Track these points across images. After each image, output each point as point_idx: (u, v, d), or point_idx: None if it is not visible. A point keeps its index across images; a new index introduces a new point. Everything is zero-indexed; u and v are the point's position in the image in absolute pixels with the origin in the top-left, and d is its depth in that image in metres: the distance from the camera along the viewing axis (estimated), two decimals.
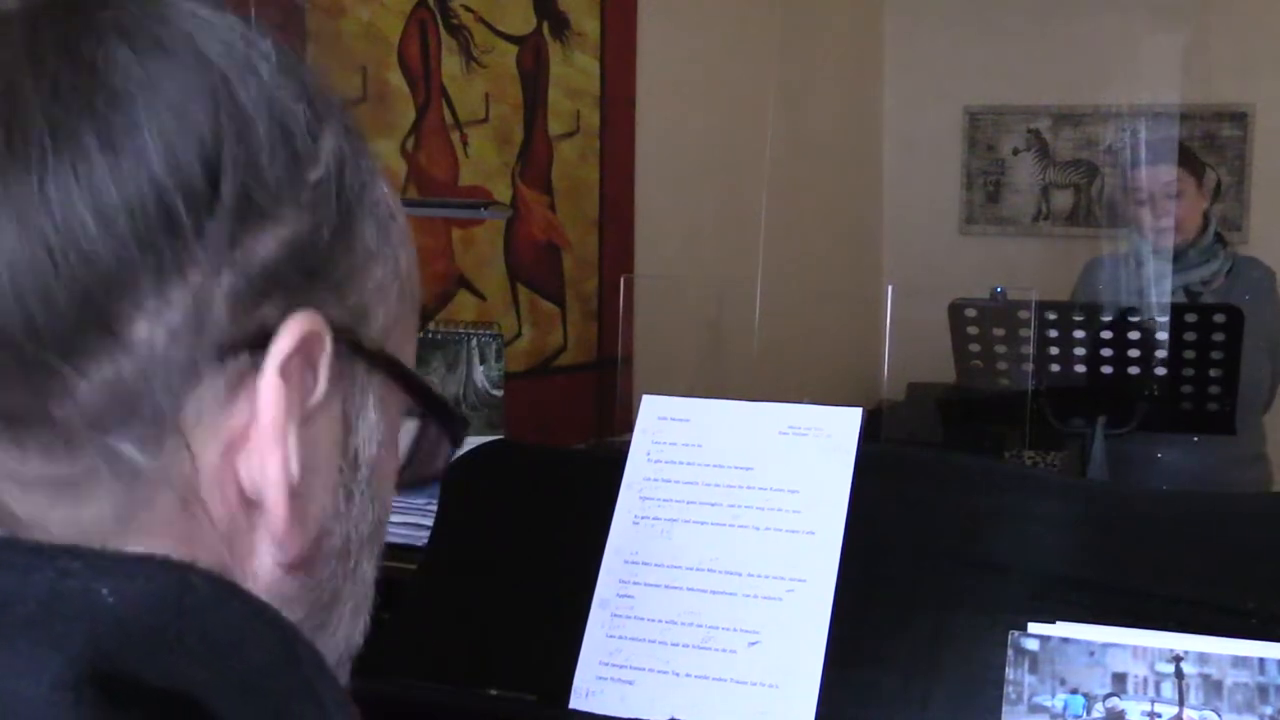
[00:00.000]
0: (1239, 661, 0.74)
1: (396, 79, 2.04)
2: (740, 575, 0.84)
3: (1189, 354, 2.06)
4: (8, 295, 0.33)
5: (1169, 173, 2.29)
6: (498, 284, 2.31)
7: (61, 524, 0.34)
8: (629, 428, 0.93)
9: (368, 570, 0.42)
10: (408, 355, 0.42)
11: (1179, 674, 0.74)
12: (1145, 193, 2.33)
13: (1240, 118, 3.46)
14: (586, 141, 2.50)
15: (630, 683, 0.82)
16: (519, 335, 2.36)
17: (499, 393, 1.62)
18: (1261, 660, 0.74)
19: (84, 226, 0.33)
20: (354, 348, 0.39)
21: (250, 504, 0.37)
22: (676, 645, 0.83)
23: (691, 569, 0.85)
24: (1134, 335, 2.07)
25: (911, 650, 0.79)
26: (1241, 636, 0.74)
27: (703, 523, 0.86)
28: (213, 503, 0.36)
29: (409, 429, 0.43)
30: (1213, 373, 2.06)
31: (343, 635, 0.42)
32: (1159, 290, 2.26)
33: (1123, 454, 2.21)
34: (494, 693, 0.85)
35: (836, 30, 3.59)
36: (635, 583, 0.86)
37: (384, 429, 0.41)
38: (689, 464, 0.89)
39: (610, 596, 0.86)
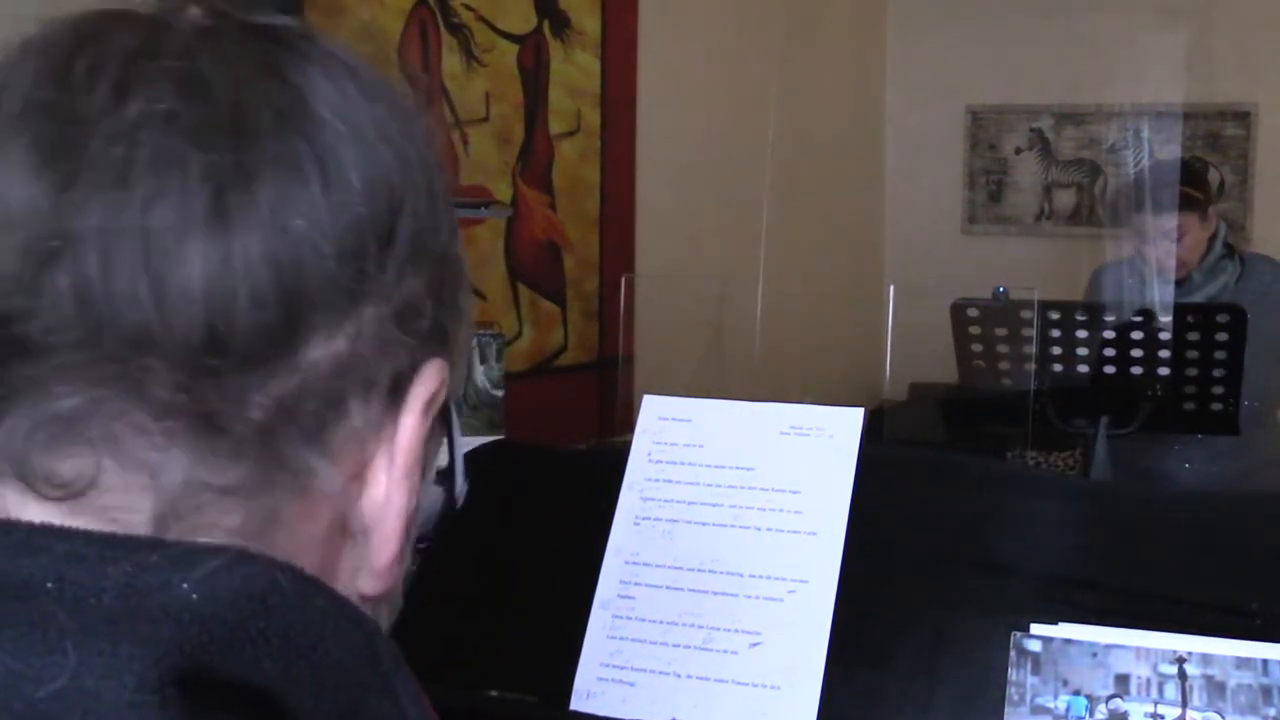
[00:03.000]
0: (1242, 663, 0.73)
1: (396, 78, 2.03)
2: (741, 576, 0.83)
3: (1192, 354, 2.05)
4: (220, 288, 0.33)
5: (1170, 220, 2.29)
6: (498, 283, 2.30)
7: (208, 529, 0.34)
8: (630, 428, 0.93)
9: (399, 576, 0.43)
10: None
11: (1182, 675, 0.74)
12: (1148, 235, 2.33)
13: (1243, 116, 3.46)
14: (587, 141, 2.50)
15: (631, 684, 0.82)
16: (519, 335, 2.35)
17: (499, 393, 1.62)
18: (1265, 661, 0.73)
19: (300, 240, 0.34)
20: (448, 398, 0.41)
21: (346, 533, 0.37)
22: (677, 646, 0.82)
23: (692, 570, 0.85)
24: (1137, 335, 2.07)
25: (913, 651, 0.79)
26: (1245, 638, 0.74)
27: (704, 523, 0.86)
28: (333, 523, 0.37)
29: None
30: (1216, 373, 2.06)
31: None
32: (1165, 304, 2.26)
33: (1134, 460, 2.20)
34: (494, 694, 0.84)
35: (839, 29, 3.59)
36: (636, 583, 0.85)
37: (425, 462, 0.43)
38: (690, 464, 0.89)
39: (611, 597, 0.85)
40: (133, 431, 0.33)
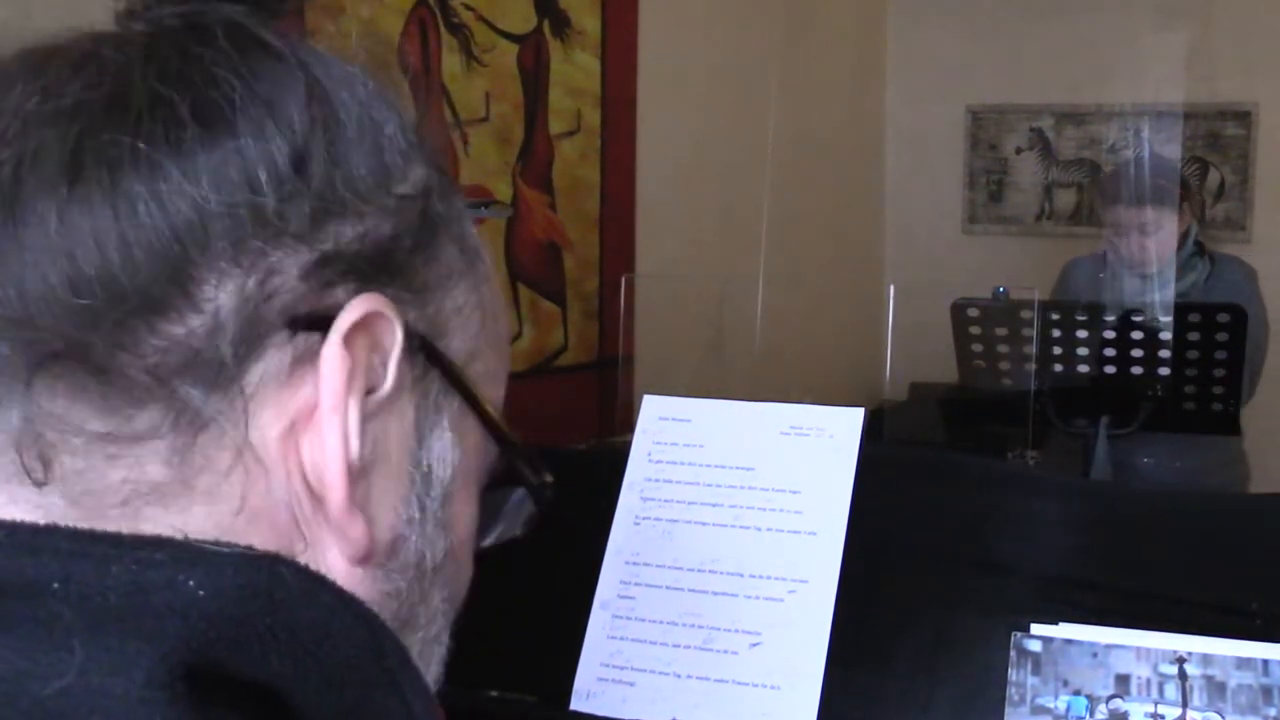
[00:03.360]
0: (1243, 663, 0.73)
1: (396, 78, 2.03)
2: (742, 576, 0.83)
3: (1192, 354, 2.05)
4: (92, 249, 0.33)
5: (1143, 214, 2.30)
6: (498, 283, 2.30)
7: (120, 485, 0.34)
8: (630, 428, 0.93)
9: (439, 604, 0.42)
10: (493, 400, 0.43)
11: (1182, 675, 0.74)
12: (1121, 228, 2.34)
13: (1244, 116, 3.45)
14: (587, 140, 2.50)
15: (631, 684, 0.82)
16: (519, 335, 2.35)
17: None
18: (1265, 661, 0.73)
19: (170, 192, 0.34)
20: (429, 355, 0.40)
21: (317, 498, 0.37)
22: (678, 646, 0.82)
23: (693, 570, 0.85)
24: (1137, 335, 2.07)
25: (914, 651, 0.79)
26: (1245, 638, 0.74)
27: (704, 523, 0.86)
28: (276, 481, 0.36)
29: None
30: (1217, 372, 2.06)
31: (420, 638, 0.42)
32: (1136, 303, 2.27)
33: (1118, 455, 2.20)
34: (494, 694, 0.84)
35: (839, 29, 3.58)
36: (636, 583, 0.85)
37: (460, 459, 0.41)
38: (690, 464, 0.89)
39: (611, 597, 0.85)
40: (5, 386, 0.34)
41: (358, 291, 0.37)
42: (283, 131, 0.36)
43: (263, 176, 0.35)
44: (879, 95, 3.83)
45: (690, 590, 0.84)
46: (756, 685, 0.80)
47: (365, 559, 0.38)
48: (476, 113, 2.23)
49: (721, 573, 0.84)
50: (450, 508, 0.41)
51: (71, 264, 0.34)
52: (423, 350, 0.40)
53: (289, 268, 0.36)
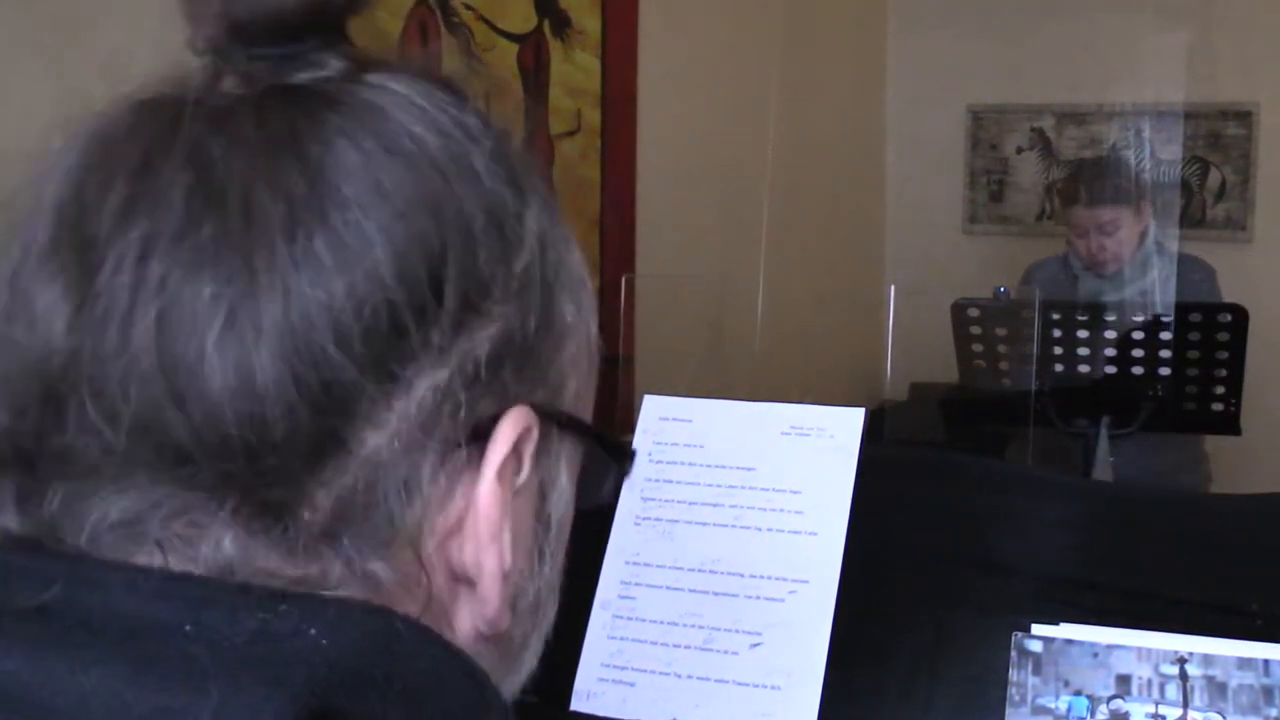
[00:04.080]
0: (1244, 663, 0.73)
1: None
2: (742, 576, 0.83)
3: (1193, 354, 2.05)
4: (246, 402, 0.33)
5: (1107, 213, 2.31)
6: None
7: None
8: (630, 428, 0.93)
9: (551, 610, 0.44)
10: (588, 406, 0.43)
11: (1183, 675, 0.74)
12: (1082, 229, 2.36)
13: (1245, 116, 3.45)
14: (587, 140, 2.50)
15: (632, 684, 0.82)
16: None
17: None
18: (1266, 662, 0.73)
19: (321, 339, 0.33)
20: (555, 425, 0.40)
21: (458, 579, 0.38)
22: (678, 646, 0.82)
23: (693, 570, 0.84)
24: (1138, 335, 2.07)
25: (914, 651, 0.79)
26: (1246, 638, 0.74)
27: (704, 523, 0.86)
28: (432, 583, 0.37)
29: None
30: (1218, 373, 2.06)
31: (526, 668, 0.43)
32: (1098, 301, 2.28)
33: (1119, 455, 2.20)
34: None
35: (839, 29, 3.58)
36: (636, 584, 0.85)
37: (570, 484, 0.42)
38: (690, 464, 0.88)
39: (611, 598, 0.85)
40: (193, 529, 0.33)
41: (500, 402, 0.36)
42: (419, 253, 0.34)
43: (407, 310, 0.34)
44: (879, 95, 3.83)
45: (691, 590, 0.84)
46: (757, 685, 0.80)
47: (500, 635, 0.39)
48: None
49: (722, 573, 0.84)
50: (562, 530, 0.43)
51: (248, 414, 0.33)
52: (550, 423, 0.39)
53: (440, 400, 0.35)
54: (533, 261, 0.38)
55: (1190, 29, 3.05)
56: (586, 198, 2.52)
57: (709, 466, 0.88)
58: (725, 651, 0.81)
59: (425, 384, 0.35)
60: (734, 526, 0.85)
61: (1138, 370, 2.06)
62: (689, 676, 0.81)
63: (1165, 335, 2.05)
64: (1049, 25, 3.54)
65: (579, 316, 0.41)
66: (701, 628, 0.82)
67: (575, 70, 2.45)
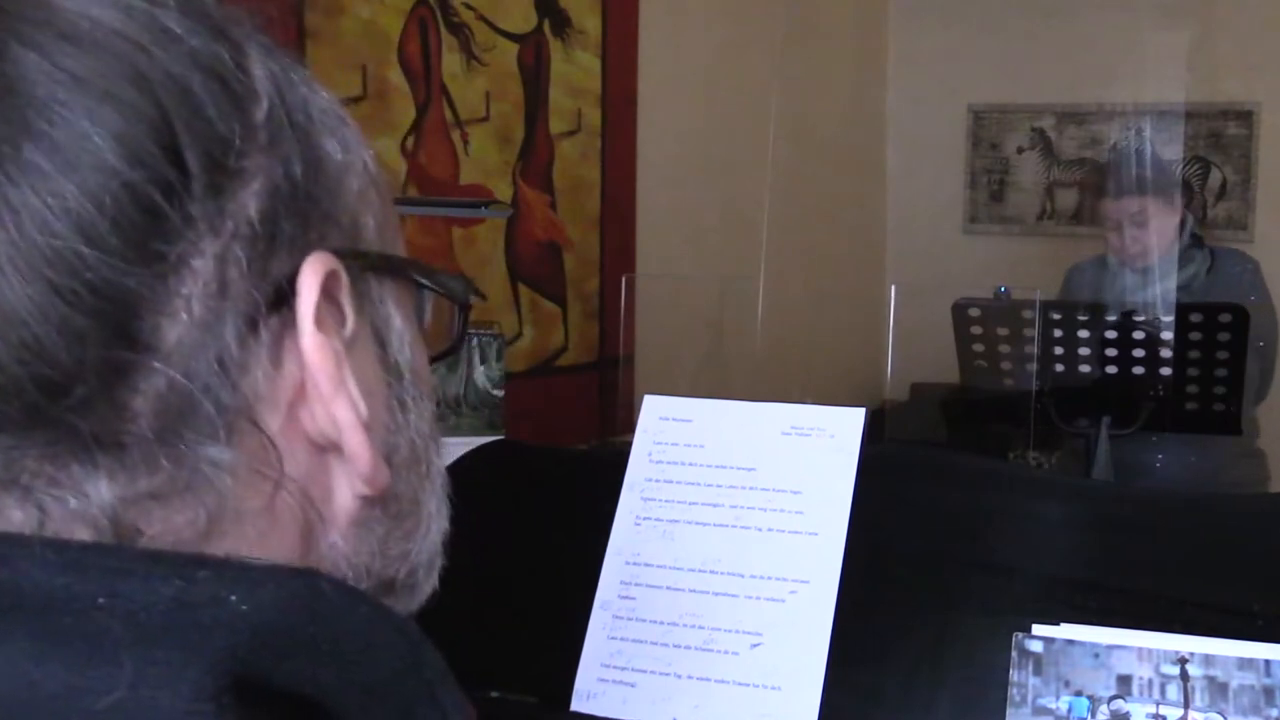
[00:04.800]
0: (1244, 663, 0.73)
1: (397, 77, 2.03)
2: (742, 576, 0.83)
3: (1194, 354, 2.05)
4: (30, 333, 0.32)
5: (1136, 203, 2.30)
6: (498, 283, 2.30)
7: (161, 534, 0.34)
8: (630, 428, 0.92)
9: (437, 463, 0.43)
10: (400, 245, 0.42)
11: (1184, 676, 0.73)
12: (1114, 221, 2.34)
13: (1246, 116, 3.45)
14: (588, 140, 2.50)
15: (632, 685, 0.82)
16: (520, 335, 2.35)
17: (499, 393, 1.62)
18: (1267, 662, 0.73)
19: (70, 244, 0.32)
20: (362, 265, 0.39)
21: (321, 450, 0.37)
22: (678, 647, 0.82)
23: (693, 570, 0.84)
24: (1139, 335, 2.06)
25: (915, 652, 0.79)
26: (1247, 638, 0.74)
27: (705, 524, 0.86)
28: (292, 463, 0.36)
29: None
30: (1218, 372, 2.05)
31: (436, 530, 0.42)
32: (1138, 299, 2.27)
33: (1119, 455, 2.20)
34: (495, 695, 0.84)
35: (840, 28, 3.58)
36: (637, 584, 0.85)
37: (409, 326, 0.41)
38: (691, 464, 0.88)
39: (611, 598, 0.85)
40: (53, 468, 0.33)
41: (293, 255, 0.35)
42: (143, 130, 0.33)
43: (155, 191, 0.32)
44: (880, 94, 3.83)
45: (691, 591, 0.84)
46: (757, 686, 0.80)
47: (377, 489, 0.39)
48: (477, 112, 2.23)
49: (722, 573, 0.83)
50: (418, 376, 0.41)
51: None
52: (358, 265, 0.39)
53: (225, 272, 0.34)
54: (274, 107, 0.36)
55: (1191, 29, 3.05)
56: (587, 197, 2.52)
57: (709, 466, 0.88)
58: (725, 652, 0.81)
59: (203, 258, 0.33)
60: (734, 527, 0.85)
61: (1139, 370, 2.06)
62: (689, 677, 0.81)
63: (1166, 335, 2.05)
64: (1050, 25, 3.54)
65: (349, 152, 0.39)
66: (702, 628, 0.82)
67: (575, 70, 2.45)
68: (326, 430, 0.37)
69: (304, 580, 0.32)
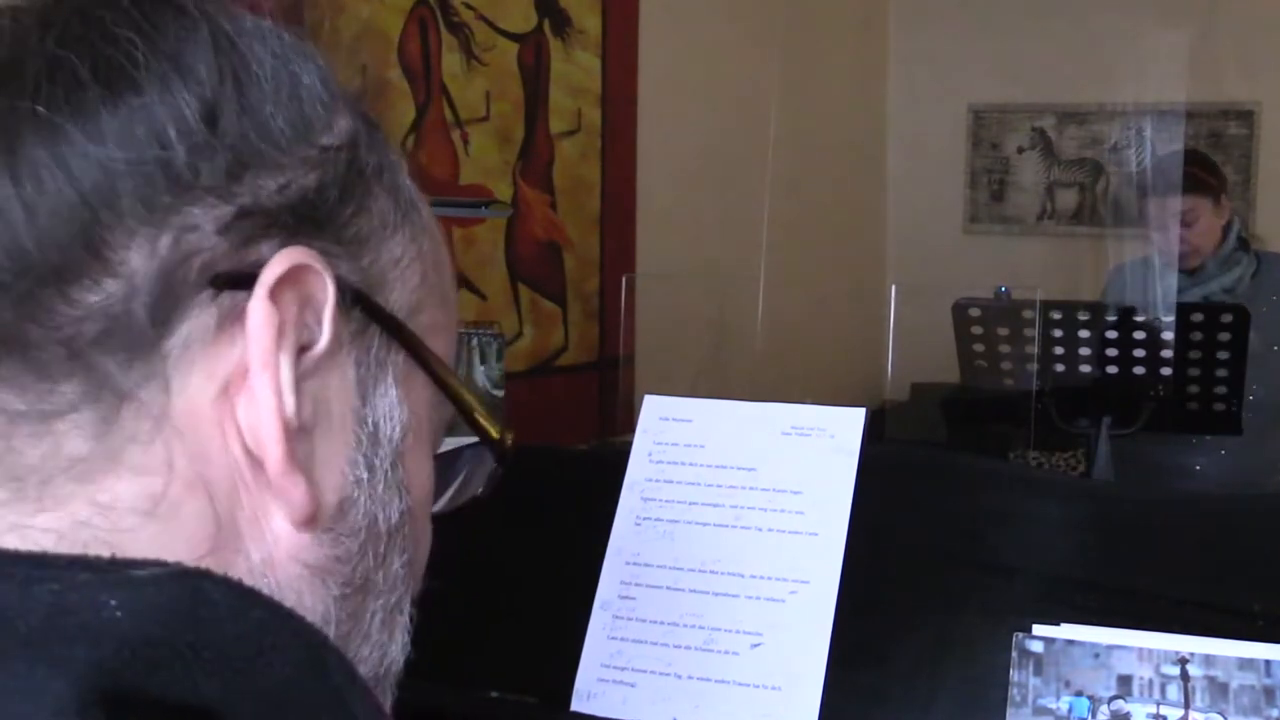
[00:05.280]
0: (1245, 664, 0.73)
1: (396, 77, 2.03)
2: (743, 577, 0.83)
3: (1195, 354, 2.05)
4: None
5: (1178, 203, 2.27)
6: (498, 283, 2.30)
7: (42, 463, 0.34)
8: (631, 428, 0.92)
9: (398, 569, 0.41)
10: (442, 354, 0.42)
11: (1184, 676, 0.73)
12: (1160, 220, 2.31)
13: (1247, 116, 3.45)
14: (588, 140, 2.50)
15: (632, 685, 0.82)
16: (520, 335, 2.35)
17: (499, 393, 1.62)
18: (1268, 662, 0.73)
19: (73, 154, 0.34)
20: (366, 309, 0.39)
21: (257, 461, 0.36)
22: (678, 647, 0.82)
23: (693, 570, 0.84)
24: (1139, 335, 2.06)
25: (915, 652, 0.79)
26: (1247, 639, 0.74)
27: (705, 524, 0.86)
28: (213, 447, 0.35)
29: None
30: (1219, 373, 2.05)
31: (375, 642, 0.40)
32: (1183, 299, 2.24)
33: (1141, 459, 2.19)
34: (495, 695, 0.84)
35: (840, 27, 3.58)
36: (637, 584, 0.85)
37: (408, 416, 0.40)
38: (691, 464, 0.88)
39: (612, 598, 0.85)
40: None
41: (282, 246, 0.36)
42: (190, 86, 0.35)
43: (171, 132, 0.35)
44: (880, 94, 3.83)
45: (691, 591, 0.84)
46: (757, 686, 0.79)
47: (310, 521, 0.37)
48: (477, 112, 2.23)
49: (722, 573, 0.83)
50: (403, 467, 0.40)
51: None
52: (358, 304, 0.38)
53: (205, 224, 0.35)
54: (339, 148, 0.38)
55: (1192, 28, 3.04)
56: (587, 197, 2.52)
57: (709, 466, 0.88)
58: (726, 652, 0.81)
59: (196, 210, 0.35)
60: (734, 527, 0.85)
61: (1139, 370, 2.06)
62: (689, 677, 0.81)
63: (1166, 335, 2.05)
64: (1050, 24, 3.54)
65: (406, 225, 0.41)
66: (702, 628, 0.82)
67: (575, 69, 2.45)
68: (254, 424, 0.36)
69: (189, 583, 0.31)
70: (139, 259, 0.34)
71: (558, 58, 2.40)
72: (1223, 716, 0.72)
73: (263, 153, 0.36)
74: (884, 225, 3.86)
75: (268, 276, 0.35)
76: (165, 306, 0.34)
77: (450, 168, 2.17)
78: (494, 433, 0.43)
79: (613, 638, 0.84)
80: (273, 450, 0.35)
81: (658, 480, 0.88)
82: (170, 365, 0.35)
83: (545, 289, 2.42)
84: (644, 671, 0.82)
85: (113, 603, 0.30)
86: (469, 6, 2.19)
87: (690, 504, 0.87)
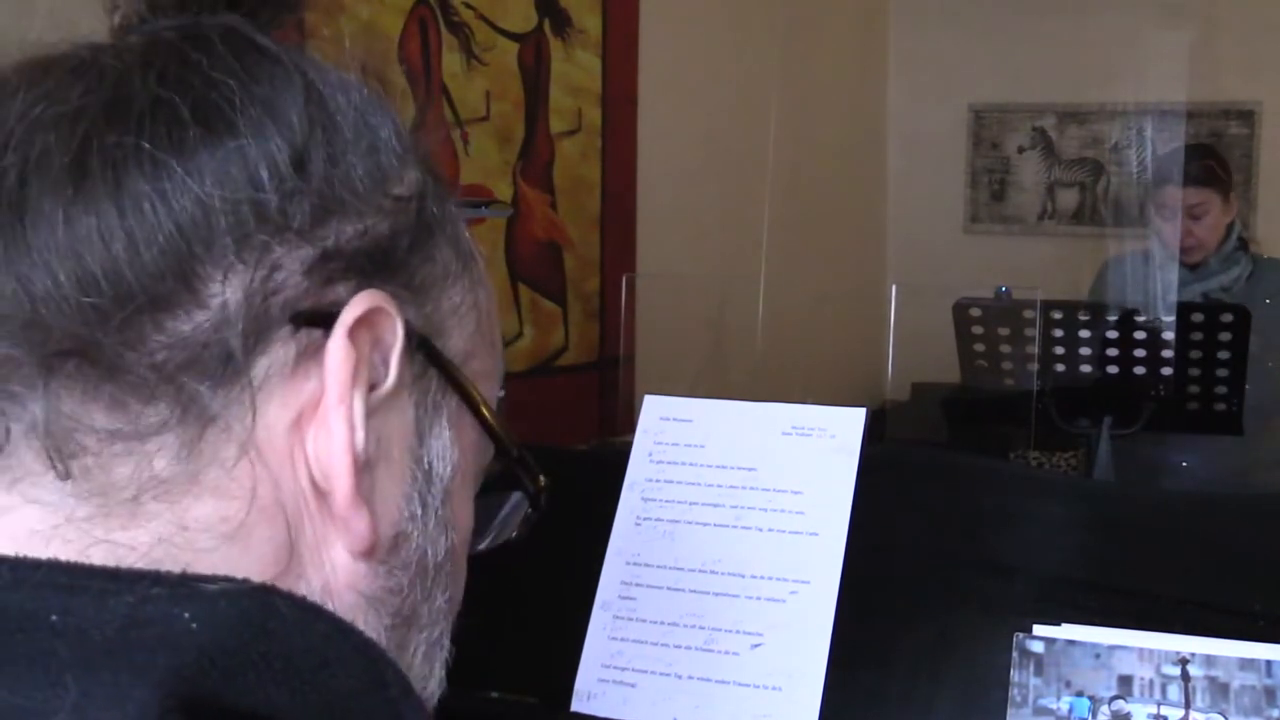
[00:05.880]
0: (1245, 664, 0.73)
1: (397, 77, 2.03)
2: (743, 577, 0.83)
3: (1195, 354, 2.05)
4: (98, 248, 0.34)
5: (1196, 195, 2.26)
6: (498, 283, 2.30)
7: (129, 481, 0.35)
8: (631, 428, 0.92)
9: (441, 604, 0.43)
10: (489, 400, 0.44)
11: (1185, 676, 0.73)
12: (1170, 210, 2.31)
13: (1247, 115, 3.45)
14: (588, 139, 2.50)
15: (632, 685, 0.82)
16: (520, 335, 2.35)
17: (500, 393, 1.62)
18: (1268, 663, 0.73)
19: (174, 189, 0.35)
20: (428, 353, 0.41)
21: (322, 492, 0.37)
22: (679, 647, 0.82)
23: (694, 570, 0.84)
24: (1140, 335, 2.06)
25: (916, 652, 0.79)
26: (1248, 639, 0.74)
27: (705, 524, 0.86)
28: (284, 475, 0.37)
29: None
30: (1219, 373, 2.05)
31: (418, 674, 0.42)
32: (1179, 297, 2.24)
33: (1137, 458, 2.19)
34: (495, 695, 0.84)
35: (840, 27, 3.58)
36: (637, 584, 0.85)
37: (458, 459, 0.42)
38: (691, 464, 0.88)
39: (612, 598, 0.85)
40: (24, 385, 0.34)
41: (358, 289, 0.38)
42: (282, 131, 0.37)
43: (264, 174, 0.36)
44: (881, 94, 3.83)
45: (691, 591, 0.84)
46: (758, 686, 0.79)
47: (369, 553, 0.38)
48: (477, 112, 2.23)
49: (723, 573, 0.83)
50: (450, 506, 0.42)
51: (79, 263, 0.34)
52: (422, 348, 0.40)
53: (292, 263, 0.37)
54: (410, 198, 0.41)
55: (1192, 28, 3.04)
56: (587, 197, 2.52)
57: (710, 467, 0.88)
58: (726, 652, 0.81)
59: (284, 250, 0.37)
60: (735, 527, 0.85)
61: (1140, 370, 2.06)
62: (690, 677, 0.81)
63: (1167, 335, 2.05)
64: (1051, 24, 3.54)
65: (466, 275, 0.43)
66: (702, 628, 0.82)
67: (576, 69, 2.45)
68: (323, 458, 0.37)
69: (259, 598, 0.33)
70: (230, 292, 0.36)
71: (558, 57, 2.40)
72: (1223, 717, 0.72)
73: (344, 200, 0.38)
74: (884, 225, 3.86)
75: (347, 317, 0.37)
76: (252, 338, 0.36)
77: (450, 168, 2.17)
78: (532, 483, 0.45)
79: (613, 638, 0.83)
80: (342, 482, 0.37)
81: (658, 480, 0.88)
82: (253, 394, 0.36)
83: (545, 289, 2.42)
84: (644, 672, 0.82)
85: (186, 615, 0.31)
86: (469, 6, 2.19)
87: (690, 504, 0.87)
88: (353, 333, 0.37)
